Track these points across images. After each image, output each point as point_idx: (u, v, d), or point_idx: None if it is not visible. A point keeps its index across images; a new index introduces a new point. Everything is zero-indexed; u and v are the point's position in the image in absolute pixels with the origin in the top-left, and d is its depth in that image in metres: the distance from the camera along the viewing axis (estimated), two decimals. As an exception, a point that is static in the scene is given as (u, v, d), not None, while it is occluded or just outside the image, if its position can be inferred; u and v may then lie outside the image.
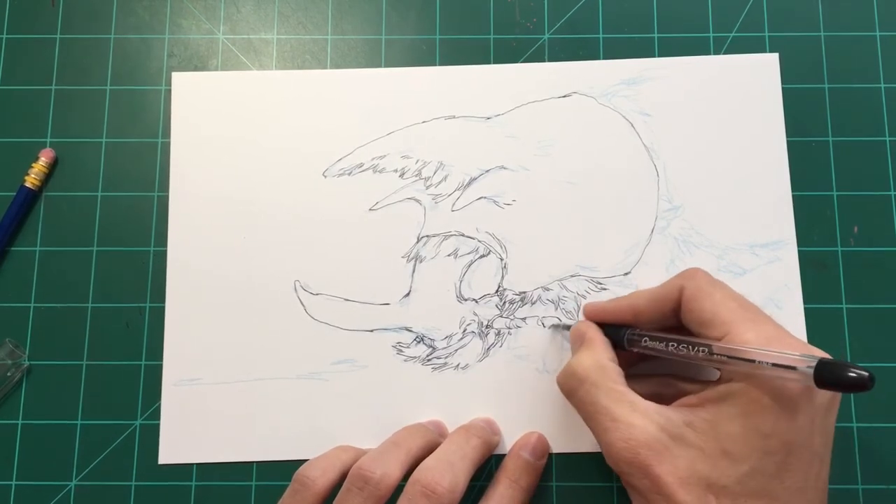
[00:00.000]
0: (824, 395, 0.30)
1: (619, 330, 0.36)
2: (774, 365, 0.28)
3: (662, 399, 0.33)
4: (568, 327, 0.40)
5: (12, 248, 0.43)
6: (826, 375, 0.27)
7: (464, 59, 0.44)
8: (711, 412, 0.30)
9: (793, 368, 0.27)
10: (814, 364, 0.27)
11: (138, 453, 0.40)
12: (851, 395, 0.40)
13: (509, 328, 0.41)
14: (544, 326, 0.41)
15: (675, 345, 0.33)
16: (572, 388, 0.34)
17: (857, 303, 0.41)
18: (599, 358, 0.34)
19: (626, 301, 0.37)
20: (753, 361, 0.29)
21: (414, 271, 0.42)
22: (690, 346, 0.32)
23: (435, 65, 0.44)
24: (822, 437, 0.30)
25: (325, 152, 0.43)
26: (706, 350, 0.31)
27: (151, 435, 0.40)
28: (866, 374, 0.26)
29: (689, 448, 0.30)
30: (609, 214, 0.42)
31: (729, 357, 0.30)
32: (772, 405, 0.29)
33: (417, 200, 0.42)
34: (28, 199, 0.42)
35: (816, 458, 0.30)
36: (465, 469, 0.34)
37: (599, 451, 0.39)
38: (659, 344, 0.34)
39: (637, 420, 0.31)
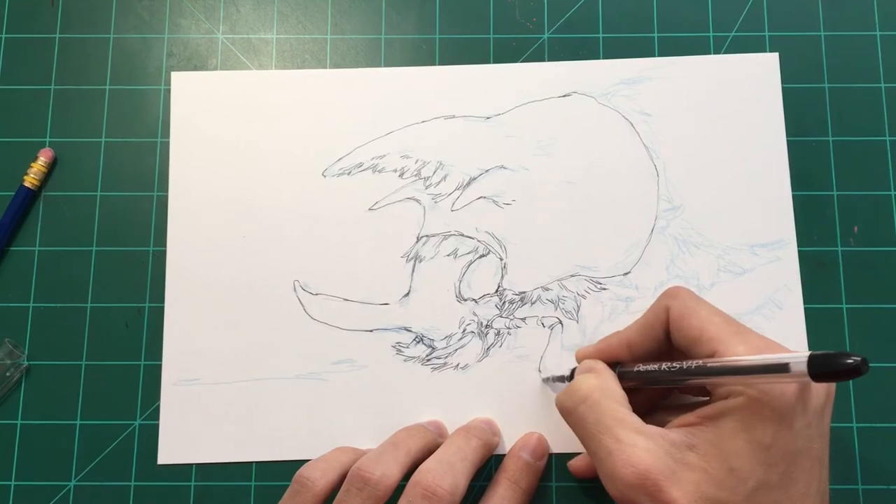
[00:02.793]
0: (818, 398, 0.30)
1: (612, 367, 0.35)
2: (767, 367, 0.28)
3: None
4: (562, 378, 0.39)
5: (11, 248, 0.43)
6: (820, 367, 0.26)
7: (464, 59, 0.44)
8: (712, 431, 0.30)
9: (785, 367, 0.27)
10: (805, 359, 0.26)
11: (137, 453, 0.40)
12: (852, 396, 0.40)
13: (509, 328, 0.41)
14: (544, 326, 0.41)
15: (668, 365, 0.32)
16: (574, 405, 0.33)
17: (857, 303, 0.41)
18: (605, 380, 0.33)
19: (616, 337, 0.36)
20: (746, 368, 0.29)
21: (413, 271, 0.42)
22: (683, 365, 0.32)
23: (435, 64, 0.44)
24: (820, 441, 0.30)
25: (325, 152, 0.43)
26: (698, 366, 0.31)
27: (151, 435, 0.40)
28: (859, 357, 0.26)
29: (694, 472, 0.29)
30: (609, 214, 0.42)
31: (722, 371, 0.30)
32: (770, 416, 0.29)
33: (417, 200, 0.42)
34: (27, 199, 0.42)
35: (817, 462, 0.30)
36: (466, 470, 0.34)
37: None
38: (652, 366, 0.33)
39: (642, 442, 0.30)
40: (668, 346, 0.34)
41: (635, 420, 0.31)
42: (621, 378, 0.34)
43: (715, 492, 0.29)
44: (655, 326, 0.34)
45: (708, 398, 0.32)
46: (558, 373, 0.39)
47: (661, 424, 0.32)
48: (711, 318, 0.32)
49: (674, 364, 0.32)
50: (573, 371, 0.37)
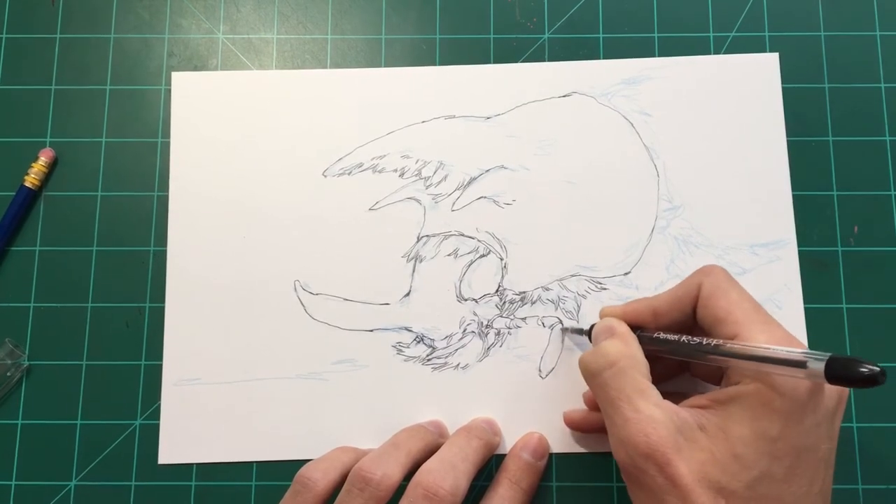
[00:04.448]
0: (830, 400, 0.30)
1: (633, 331, 0.36)
2: (785, 361, 0.28)
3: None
4: (580, 331, 0.39)
5: (12, 248, 0.43)
6: (838, 371, 0.26)
7: (464, 59, 0.44)
8: (721, 415, 0.30)
9: (803, 364, 0.27)
10: (824, 359, 0.27)
11: (138, 453, 0.40)
12: (852, 395, 0.40)
13: (509, 328, 0.41)
14: (544, 326, 0.41)
15: (688, 338, 0.33)
16: (599, 369, 0.33)
17: (857, 303, 0.41)
18: (632, 348, 0.34)
19: (644, 302, 0.37)
20: (764, 358, 0.29)
21: (414, 271, 0.42)
22: (703, 341, 0.32)
23: (435, 64, 0.44)
24: (828, 443, 0.30)
25: (325, 152, 0.43)
26: (717, 345, 0.31)
27: (151, 435, 0.40)
28: (878, 368, 0.26)
29: (701, 451, 0.30)
30: (609, 214, 0.42)
31: (740, 354, 0.30)
32: (781, 409, 0.29)
33: (417, 200, 0.42)
34: (28, 199, 0.42)
35: (822, 462, 0.30)
36: (467, 471, 0.34)
37: (599, 451, 0.39)
38: (672, 336, 0.34)
39: (659, 415, 0.30)
40: (693, 323, 0.35)
41: (655, 393, 0.31)
42: (640, 342, 0.35)
43: (718, 475, 0.29)
44: (685, 300, 0.34)
45: (718, 386, 0.32)
46: (577, 325, 0.40)
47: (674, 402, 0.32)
48: (740, 303, 0.32)
49: (694, 338, 0.32)
50: (593, 326, 0.37)
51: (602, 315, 0.38)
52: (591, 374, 0.34)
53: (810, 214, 0.42)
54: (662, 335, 0.34)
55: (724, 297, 0.33)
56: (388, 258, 0.42)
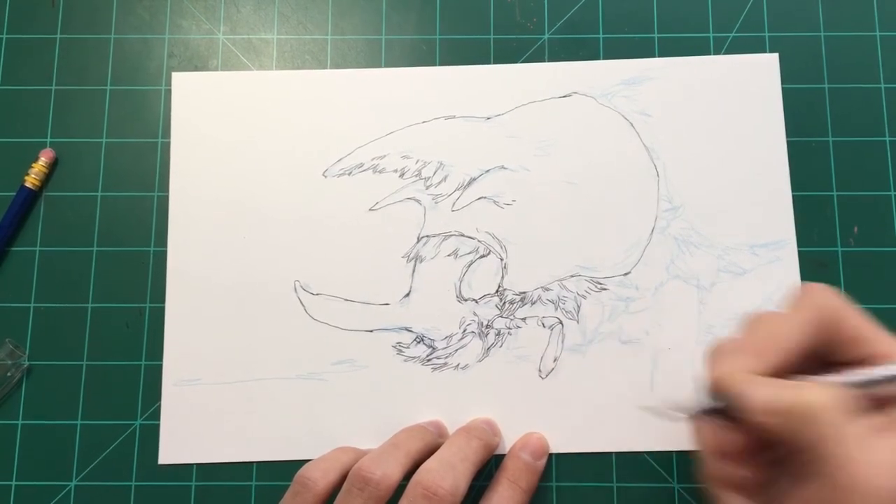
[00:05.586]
0: None
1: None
2: None
3: None
4: (683, 410, 0.30)
5: (12, 248, 0.43)
6: None
7: (464, 59, 0.44)
8: None
9: None
10: None
11: (138, 453, 0.40)
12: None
13: (509, 328, 0.41)
14: (544, 326, 0.41)
15: (885, 373, 0.28)
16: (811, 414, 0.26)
17: (858, 303, 0.41)
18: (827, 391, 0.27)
19: (771, 345, 0.29)
20: None
21: (414, 271, 0.42)
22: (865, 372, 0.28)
23: (435, 65, 0.44)
24: None
25: (325, 152, 0.43)
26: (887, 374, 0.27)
27: (151, 435, 0.40)
28: None
29: None
30: (609, 214, 0.42)
31: None
32: None
33: (417, 200, 0.42)
34: (28, 199, 0.42)
35: None
36: (467, 471, 0.35)
37: (599, 451, 0.39)
38: (862, 373, 0.28)
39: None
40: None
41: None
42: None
43: None
44: (807, 329, 0.30)
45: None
46: (678, 403, 0.31)
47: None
48: (860, 318, 0.30)
49: (882, 368, 0.28)
50: (710, 408, 0.29)
51: (739, 384, 0.28)
52: (799, 420, 0.26)
53: (810, 214, 0.42)
54: (849, 377, 0.28)
55: (849, 318, 0.30)
56: (388, 258, 0.42)
